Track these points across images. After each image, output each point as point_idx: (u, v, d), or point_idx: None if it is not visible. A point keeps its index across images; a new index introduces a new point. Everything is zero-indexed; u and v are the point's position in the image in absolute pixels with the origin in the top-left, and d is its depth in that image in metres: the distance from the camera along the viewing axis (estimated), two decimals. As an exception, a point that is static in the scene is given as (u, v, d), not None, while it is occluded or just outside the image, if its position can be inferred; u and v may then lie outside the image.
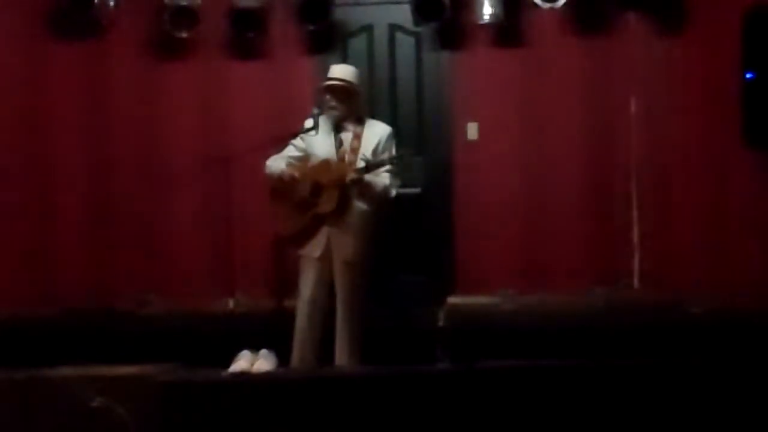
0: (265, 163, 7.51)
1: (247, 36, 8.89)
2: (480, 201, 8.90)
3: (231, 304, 7.54)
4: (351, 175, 7.28)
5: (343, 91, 7.46)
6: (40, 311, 8.44)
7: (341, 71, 7.56)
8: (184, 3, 8.73)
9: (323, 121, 7.46)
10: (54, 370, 6.63)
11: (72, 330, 8.07)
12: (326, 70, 7.98)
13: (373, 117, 8.15)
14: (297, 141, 7.49)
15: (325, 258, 7.42)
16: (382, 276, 8.33)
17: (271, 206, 7.56)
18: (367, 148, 7.42)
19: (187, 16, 8.77)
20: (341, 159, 7.42)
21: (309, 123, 7.49)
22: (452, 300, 8.27)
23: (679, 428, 6.17)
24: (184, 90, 9.03)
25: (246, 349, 7.09)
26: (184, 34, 8.84)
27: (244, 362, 6.97)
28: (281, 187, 7.44)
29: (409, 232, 8.82)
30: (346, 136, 7.46)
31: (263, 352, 7.11)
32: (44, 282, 8.90)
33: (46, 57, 9.06)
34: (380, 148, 7.44)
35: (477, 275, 8.80)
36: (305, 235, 7.44)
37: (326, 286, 7.47)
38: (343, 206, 7.33)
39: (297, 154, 7.48)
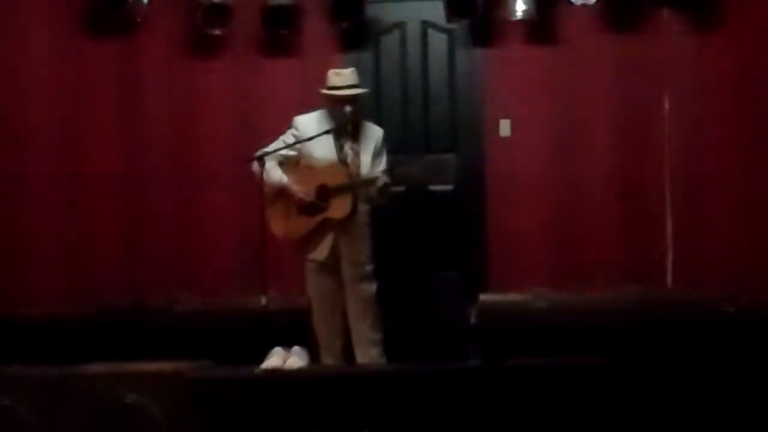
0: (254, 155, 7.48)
1: (279, 33, 8.91)
2: (512, 198, 8.89)
3: (263, 300, 7.54)
4: (383, 179, 7.26)
5: (357, 98, 7.46)
6: (73, 309, 8.47)
7: (353, 77, 7.48)
8: (218, 0, 8.76)
9: (325, 123, 7.44)
10: (87, 366, 6.66)
11: (105, 327, 8.12)
12: (359, 67, 7.98)
13: (406, 114, 8.20)
14: (290, 139, 7.45)
15: (331, 259, 7.43)
16: (414, 273, 8.34)
17: (268, 207, 7.53)
18: (366, 151, 7.40)
19: (220, 14, 8.80)
20: (343, 162, 7.41)
21: (306, 119, 7.46)
22: (484, 297, 8.25)
23: (713, 425, 6.15)
24: (217, 87, 9.06)
25: (278, 345, 7.10)
26: (217, 32, 8.87)
27: (276, 359, 6.97)
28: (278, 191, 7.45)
29: (442, 229, 8.82)
30: (346, 140, 7.43)
31: (296, 348, 7.11)
32: (78, 280, 8.95)
33: (81, 54, 9.11)
34: (377, 150, 7.42)
35: (509, 272, 8.79)
36: (311, 238, 7.43)
37: (335, 286, 7.47)
38: (354, 210, 7.34)
39: (290, 153, 7.44)
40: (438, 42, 9.14)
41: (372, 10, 8.94)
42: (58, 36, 9.07)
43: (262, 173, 7.34)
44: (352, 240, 7.36)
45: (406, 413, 6.29)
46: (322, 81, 8.67)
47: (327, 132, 7.35)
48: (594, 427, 6.21)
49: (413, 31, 9.15)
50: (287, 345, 7.13)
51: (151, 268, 8.98)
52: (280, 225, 7.44)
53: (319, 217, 7.33)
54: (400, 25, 9.16)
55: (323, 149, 7.37)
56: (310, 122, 7.44)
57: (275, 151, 7.43)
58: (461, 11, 8.72)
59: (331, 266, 7.42)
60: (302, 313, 7.80)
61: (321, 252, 7.39)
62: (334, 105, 7.42)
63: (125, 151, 9.06)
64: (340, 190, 7.28)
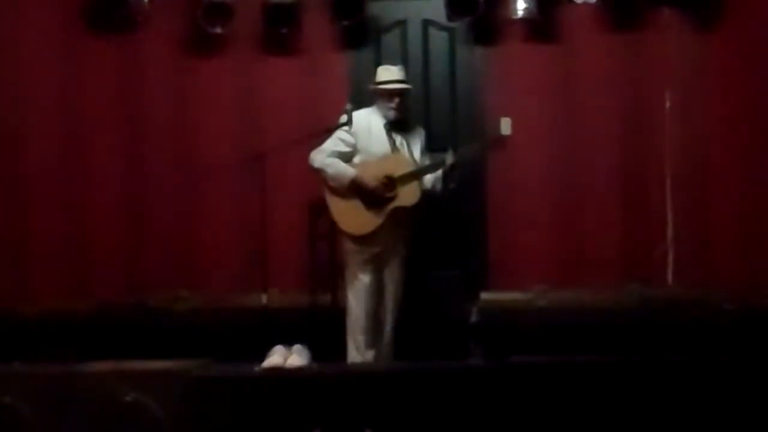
0: (311, 158, 7.55)
1: (280, 31, 8.90)
2: (513, 196, 8.88)
3: (264, 299, 7.55)
4: (450, 158, 7.47)
5: (404, 93, 7.57)
6: (75, 307, 8.49)
7: (400, 73, 7.71)
8: (218, -1, 8.78)
9: (375, 119, 7.55)
10: (89, 365, 6.66)
11: (106, 326, 8.14)
12: (360, 65, 8.03)
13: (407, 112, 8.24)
14: (345, 136, 7.54)
15: (385, 252, 7.53)
16: (415, 271, 8.33)
17: (331, 205, 7.56)
18: (415, 147, 7.62)
19: (221, 12, 8.79)
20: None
21: (354, 117, 7.55)
22: (485, 296, 8.27)
23: (714, 424, 6.15)
24: (217, 85, 9.05)
25: (279, 344, 7.11)
26: (218, 30, 8.85)
27: (277, 357, 6.98)
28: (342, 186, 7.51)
29: (443, 228, 8.81)
30: (396, 135, 7.56)
31: (297, 347, 7.12)
32: (79, 278, 8.94)
33: (81, 52, 9.09)
34: (422, 146, 7.64)
35: (510, 271, 8.78)
36: (379, 230, 7.49)
37: (382, 281, 7.56)
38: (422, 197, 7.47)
39: (346, 149, 7.53)
40: (439, 40, 9.14)
41: (373, 9, 8.94)
42: (59, 34, 9.06)
43: (326, 170, 7.52)
44: (406, 235, 7.56)
45: (407, 412, 6.28)
46: (322, 79, 8.76)
47: (341, 125, 7.44)
48: (595, 425, 6.21)
49: (414, 29, 9.15)
50: (288, 343, 7.14)
51: (153, 267, 8.97)
52: (352, 222, 7.52)
53: (389, 208, 7.43)
54: (401, 24, 9.15)
55: (378, 144, 7.58)
56: (361, 118, 7.54)
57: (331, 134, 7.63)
58: (462, 10, 8.71)
59: (380, 262, 7.51)
60: (303, 312, 7.83)
61: (380, 245, 7.48)
62: (382, 99, 7.60)
63: (126, 149, 9.05)
64: (406, 178, 7.45)
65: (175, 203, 8.99)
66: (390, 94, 7.60)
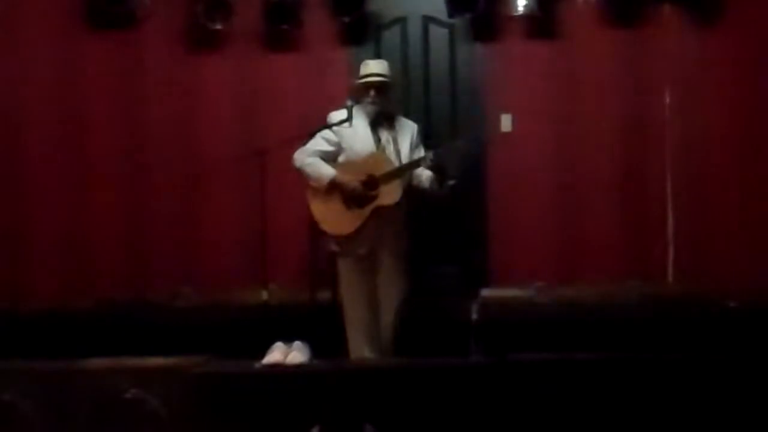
0: (293, 158, 7.54)
1: (281, 28, 8.90)
2: (513, 193, 8.88)
3: (265, 295, 7.55)
4: (428, 155, 7.38)
5: (383, 86, 7.51)
6: (75, 303, 8.49)
7: (379, 66, 7.59)
8: (218, -5, 8.79)
9: (359, 117, 7.49)
10: (88, 361, 6.66)
11: (106, 322, 8.13)
12: (360, 61, 7.99)
13: (407, 109, 8.21)
14: (329, 135, 7.49)
15: (370, 254, 7.48)
16: (415, 268, 8.34)
17: (313, 206, 7.55)
18: (403, 143, 7.49)
19: (222, 8, 8.81)
20: (382, 152, 7.49)
21: (339, 115, 7.50)
22: (485, 292, 8.26)
23: (715, 421, 6.15)
24: (218, 82, 9.05)
25: (280, 340, 7.10)
26: (219, 26, 8.87)
27: (277, 354, 6.97)
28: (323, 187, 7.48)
29: (443, 224, 8.81)
30: (383, 132, 7.50)
31: (297, 343, 7.10)
32: (79, 274, 8.95)
33: (81, 48, 9.09)
34: (413, 142, 7.53)
35: (510, 267, 8.79)
36: (360, 231, 7.46)
37: (373, 283, 7.53)
38: (404, 195, 7.40)
39: (329, 148, 7.49)
40: (439, 37, 9.13)
41: (373, 5, 8.95)
42: (59, 30, 9.06)
43: (306, 170, 7.49)
44: (396, 231, 7.46)
45: (407, 408, 6.29)
46: (323, 75, 8.75)
47: (340, 123, 7.41)
48: (595, 423, 6.21)
49: (414, 25, 9.14)
50: (288, 340, 7.13)
51: (153, 263, 8.97)
52: (331, 222, 7.46)
53: (370, 208, 7.38)
54: (401, 20, 9.15)
55: (362, 142, 7.48)
56: (344, 116, 7.49)
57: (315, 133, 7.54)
58: (462, 6, 8.73)
59: (370, 261, 7.48)
60: (304, 308, 7.82)
61: (365, 245, 7.44)
62: (361, 95, 7.56)
63: (126, 145, 9.05)
64: (387, 176, 7.36)
65: (176, 199, 8.99)
66: (366, 88, 7.52)
